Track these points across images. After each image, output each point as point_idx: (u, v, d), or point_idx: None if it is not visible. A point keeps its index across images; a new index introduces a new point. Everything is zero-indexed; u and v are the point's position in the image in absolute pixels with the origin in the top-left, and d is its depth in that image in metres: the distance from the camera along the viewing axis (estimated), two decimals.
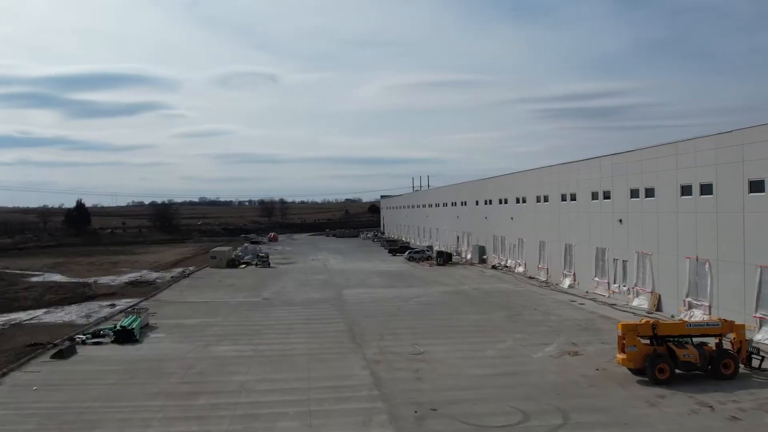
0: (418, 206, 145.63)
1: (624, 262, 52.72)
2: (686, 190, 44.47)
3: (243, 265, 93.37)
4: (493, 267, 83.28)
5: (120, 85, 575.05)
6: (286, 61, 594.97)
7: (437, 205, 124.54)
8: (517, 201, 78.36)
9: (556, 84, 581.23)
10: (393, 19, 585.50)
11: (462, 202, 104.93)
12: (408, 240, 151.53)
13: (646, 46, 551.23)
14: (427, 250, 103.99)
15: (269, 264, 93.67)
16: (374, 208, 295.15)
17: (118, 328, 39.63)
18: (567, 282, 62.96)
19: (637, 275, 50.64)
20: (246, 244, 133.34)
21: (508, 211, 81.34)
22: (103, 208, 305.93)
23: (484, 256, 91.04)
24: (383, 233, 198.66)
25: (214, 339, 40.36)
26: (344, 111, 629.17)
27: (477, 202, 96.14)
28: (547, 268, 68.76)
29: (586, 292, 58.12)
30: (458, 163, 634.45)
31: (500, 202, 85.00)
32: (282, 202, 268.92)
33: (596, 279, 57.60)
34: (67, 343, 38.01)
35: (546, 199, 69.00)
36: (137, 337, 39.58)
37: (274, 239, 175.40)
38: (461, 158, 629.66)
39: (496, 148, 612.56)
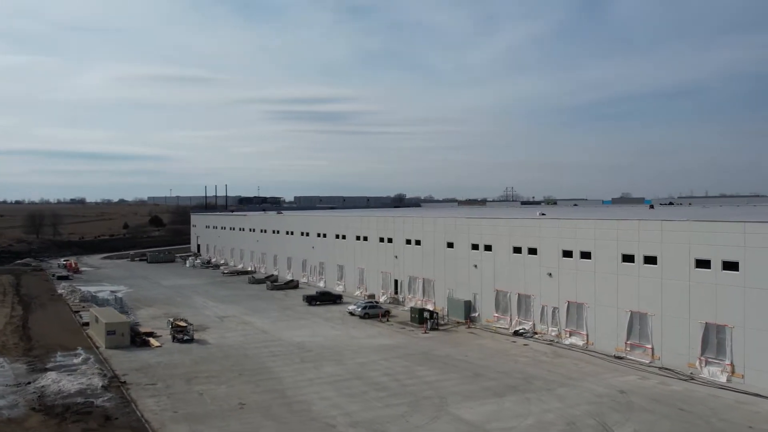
0: (290, 233, 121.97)
1: None
2: None
3: (155, 342, 63.66)
4: (516, 333, 66.59)
5: None
6: None
7: (342, 236, 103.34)
8: (565, 255, 62.80)
9: (286, 86, 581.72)
10: (115, 5, 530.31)
11: (411, 241, 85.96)
12: (258, 269, 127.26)
13: (367, 55, 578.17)
14: (375, 303, 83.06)
15: (193, 338, 65.45)
16: (157, 221, 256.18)
17: None
18: (718, 372, 49.00)
19: None
20: (84, 290, 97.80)
21: (538, 265, 65.46)
22: None
23: (474, 314, 73.81)
24: (199, 254, 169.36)
25: None
26: (62, 100, 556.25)
27: (451, 245, 78.35)
28: (652, 348, 54.30)
29: None
30: (185, 162, 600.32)
31: (516, 251, 68.57)
32: (53, 212, 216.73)
33: None
34: None
35: (653, 261, 54.43)
36: None
37: (76, 270, 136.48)
38: (189, 156, 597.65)
39: (226, 147, 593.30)
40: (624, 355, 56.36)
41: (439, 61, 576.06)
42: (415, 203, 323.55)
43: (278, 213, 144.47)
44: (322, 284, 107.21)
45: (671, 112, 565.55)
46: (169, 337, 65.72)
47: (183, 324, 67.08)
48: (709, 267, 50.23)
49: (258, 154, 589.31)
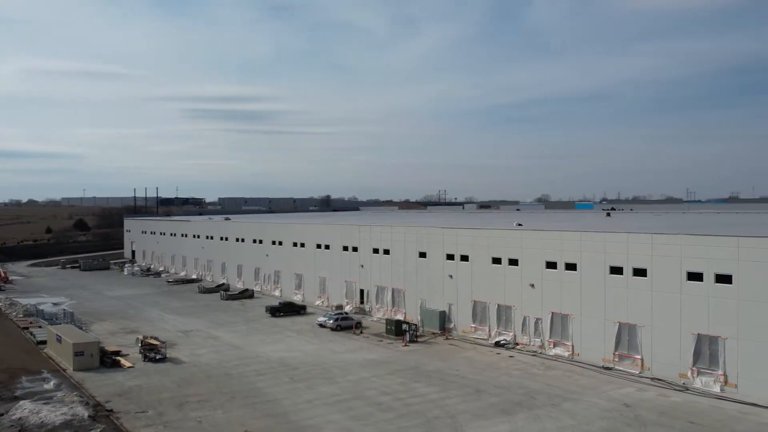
0: (240, 240, 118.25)
1: None
2: None
3: (127, 363, 59.78)
4: (497, 344, 66.53)
5: None
6: None
7: (301, 244, 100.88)
8: (548, 266, 63.18)
9: (206, 84, 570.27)
10: None
11: (379, 250, 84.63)
12: (204, 277, 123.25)
13: (289, 55, 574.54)
14: (346, 314, 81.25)
15: (165, 356, 61.96)
16: (83, 224, 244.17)
17: None
18: (711, 383, 50.19)
19: None
20: (24, 303, 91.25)
21: (519, 276, 65.61)
22: None
23: (450, 325, 73.35)
24: (135, 261, 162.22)
25: None
26: None
27: (424, 254, 77.59)
28: (642, 359, 55.21)
29: None
30: (98, 160, 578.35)
31: (496, 261, 68.51)
32: None
33: None
34: None
35: (643, 273, 55.33)
36: None
37: (6, 279, 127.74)
38: (102, 155, 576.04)
39: (139, 146, 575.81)
40: (612, 366, 57.06)
41: (362, 61, 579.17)
42: (350, 206, 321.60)
43: (225, 219, 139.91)
44: (277, 293, 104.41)
45: (583, 115, 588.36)
46: (139, 356, 62.00)
47: (154, 342, 63.36)
48: (701, 280, 51.42)
49: (176, 154, 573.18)
